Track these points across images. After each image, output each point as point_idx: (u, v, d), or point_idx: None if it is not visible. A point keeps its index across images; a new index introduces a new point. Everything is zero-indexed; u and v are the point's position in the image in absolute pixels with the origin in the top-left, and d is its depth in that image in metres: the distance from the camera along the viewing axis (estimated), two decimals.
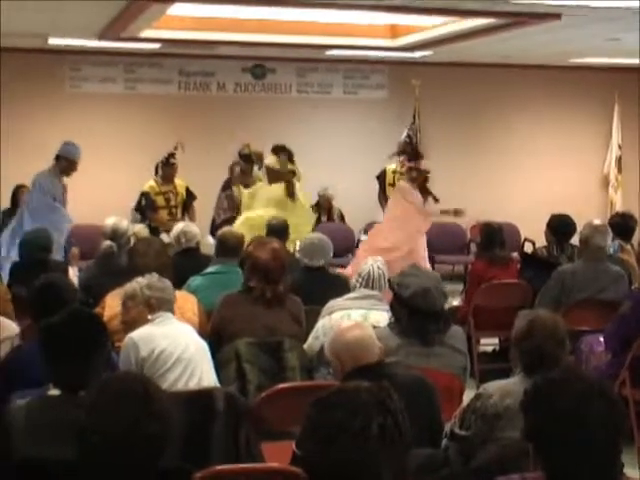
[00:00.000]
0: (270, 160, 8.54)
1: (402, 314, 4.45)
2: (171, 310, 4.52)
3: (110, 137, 11.05)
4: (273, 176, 8.50)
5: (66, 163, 8.50)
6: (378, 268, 5.19)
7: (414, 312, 4.40)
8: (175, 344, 4.26)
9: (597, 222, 6.76)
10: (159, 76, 11.60)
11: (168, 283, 4.62)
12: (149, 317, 4.41)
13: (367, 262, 5.29)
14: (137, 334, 4.29)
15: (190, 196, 9.77)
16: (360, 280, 5.17)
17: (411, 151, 9.86)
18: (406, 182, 8.77)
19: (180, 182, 9.74)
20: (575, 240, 7.13)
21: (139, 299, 4.47)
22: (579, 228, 6.94)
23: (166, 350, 4.21)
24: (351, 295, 5.18)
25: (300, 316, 5.19)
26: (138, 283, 4.54)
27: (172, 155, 9.57)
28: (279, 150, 8.90)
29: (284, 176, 8.44)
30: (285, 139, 11.48)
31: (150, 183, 9.65)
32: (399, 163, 9.03)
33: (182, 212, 9.68)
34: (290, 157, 8.57)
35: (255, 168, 9.50)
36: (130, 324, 4.47)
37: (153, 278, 4.59)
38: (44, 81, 11.10)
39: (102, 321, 3.71)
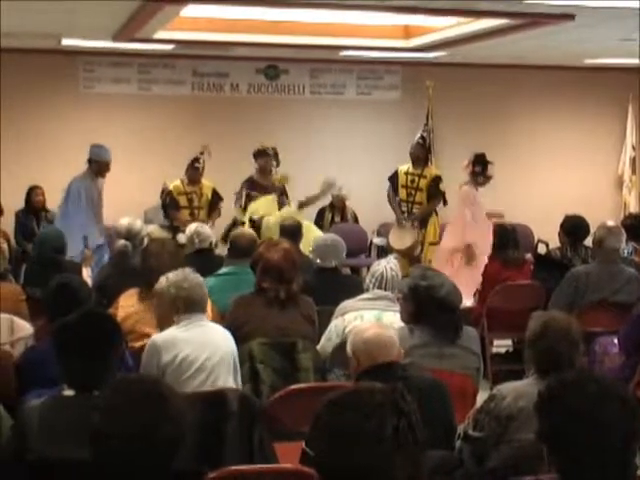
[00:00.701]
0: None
1: (435, 314, 4.44)
2: (201, 311, 4.38)
3: (123, 138, 11.06)
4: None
5: (97, 166, 8.64)
6: (391, 269, 5.18)
7: (448, 310, 4.42)
8: (199, 350, 4.18)
9: (611, 223, 6.73)
10: (173, 77, 11.61)
11: (198, 281, 4.46)
12: (174, 318, 4.32)
13: (380, 263, 5.29)
14: (161, 338, 4.25)
15: (215, 197, 9.76)
16: (373, 281, 5.16)
17: (423, 154, 9.85)
18: (470, 187, 8.70)
19: (207, 183, 9.75)
20: (589, 241, 7.11)
21: (165, 298, 4.36)
22: (593, 229, 6.92)
23: (189, 356, 4.15)
24: (364, 296, 5.17)
25: (312, 316, 5.18)
26: (167, 280, 4.41)
27: (196, 160, 9.61)
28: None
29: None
30: (298, 140, 11.55)
31: (175, 182, 9.69)
32: (464, 167, 8.92)
33: (208, 213, 9.68)
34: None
35: (273, 165, 9.54)
36: (160, 322, 4.42)
37: (181, 275, 4.43)
38: (57, 82, 11.13)
39: (116, 321, 3.71)
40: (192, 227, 7.23)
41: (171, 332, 4.27)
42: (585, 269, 6.55)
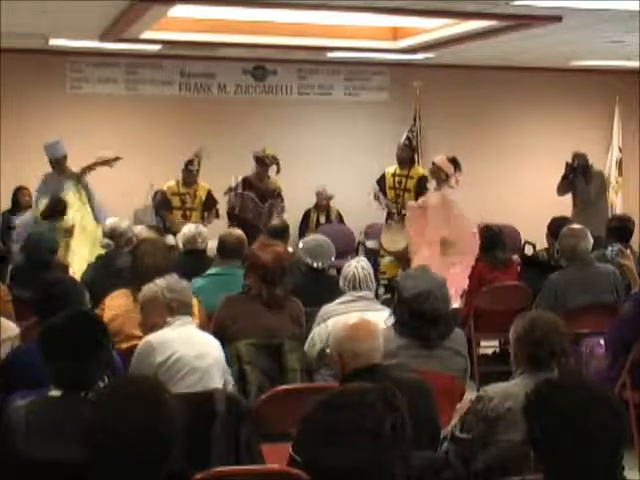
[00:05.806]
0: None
1: (402, 315, 4.44)
2: (189, 313, 4.45)
3: (111, 138, 11.02)
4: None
5: (52, 164, 8.60)
6: (362, 268, 5.14)
7: (414, 314, 4.38)
8: (192, 351, 4.18)
9: (575, 226, 6.70)
10: (160, 77, 11.59)
11: (186, 284, 4.55)
12: (168, 319, 4.33)
13: (350, 264, 5.23)
14: (155, 338, 4.23)
15: (210, 200, 9.68)
16: (347, 283, 5.12)
17: (409, 155, 9.87)
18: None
19: (203, 185, 9.68)
20: None
21: (159, 302, 4.37)
22: None
23: (183, 358, 4.14)
24: (342, 299, 5.13)
25: (300, 318, 5.17)
26: (157, 286, 4.44)
27: (190, 162, 9.52)
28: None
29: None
30: (285, 141, 11.53)
31: (170, 183, 9.62)
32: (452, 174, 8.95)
33: (202, 215, 9.59)
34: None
35: (272, 173, 9.53)
36: (150, 328, 4.39)
37: (172, 279, 4.49)
38: (45, 82, 11.09)
39: (102, 322, 3.70)
40: (192, 227, 7.14)
41: (165, 333, 4.26)
42: (563, 276, 6.46)
